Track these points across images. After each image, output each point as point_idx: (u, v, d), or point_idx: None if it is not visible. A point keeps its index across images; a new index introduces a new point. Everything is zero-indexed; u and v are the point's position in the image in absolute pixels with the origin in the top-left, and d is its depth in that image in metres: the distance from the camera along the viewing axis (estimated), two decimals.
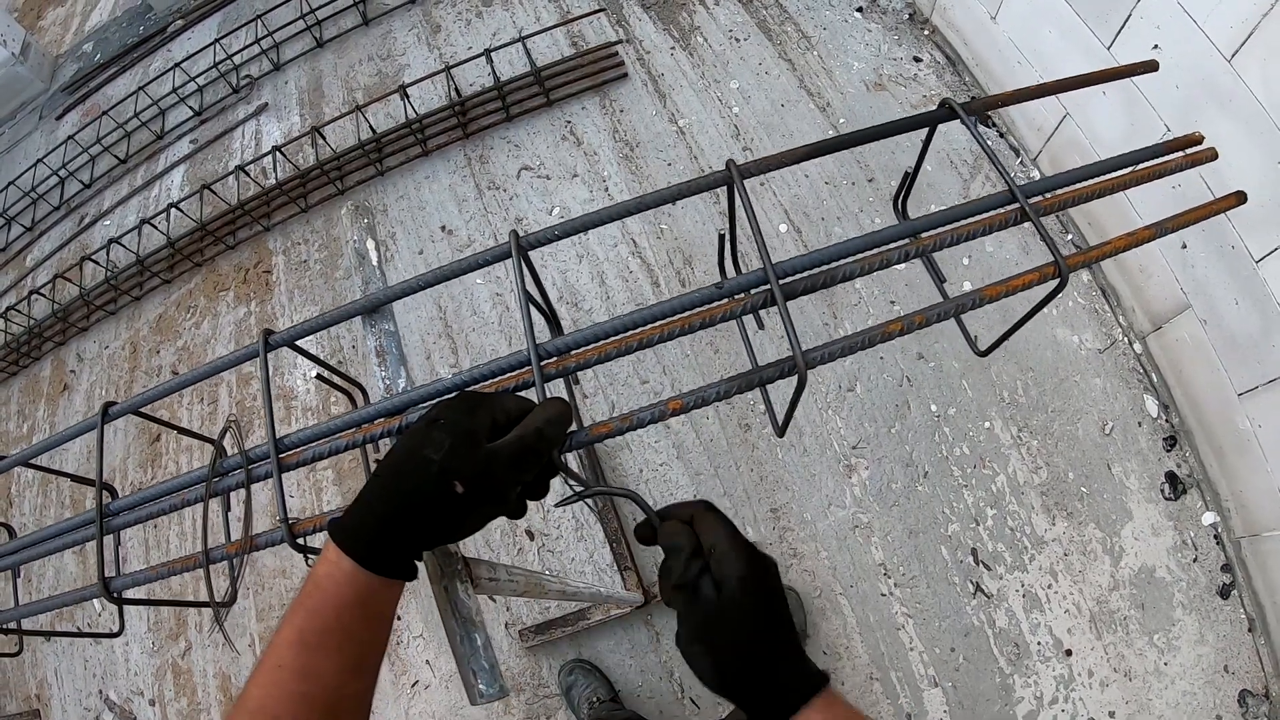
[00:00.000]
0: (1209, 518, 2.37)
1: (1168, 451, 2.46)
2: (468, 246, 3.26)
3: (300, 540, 0.95)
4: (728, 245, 1.12)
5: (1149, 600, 2.31)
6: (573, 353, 0.86)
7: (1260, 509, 2.18)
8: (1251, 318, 2.04)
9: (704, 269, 2.93)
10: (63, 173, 4.54)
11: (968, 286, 2.69)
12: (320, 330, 1.14)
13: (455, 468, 0.71)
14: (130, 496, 1.14)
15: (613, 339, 0.85)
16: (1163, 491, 2.42)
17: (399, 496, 0.73)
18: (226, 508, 1.18)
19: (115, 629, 1.17)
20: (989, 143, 2.63)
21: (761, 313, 0.94)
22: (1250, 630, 2.25)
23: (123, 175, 4.45)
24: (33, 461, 1.31)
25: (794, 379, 0.81)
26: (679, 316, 0.86)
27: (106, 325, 3.83)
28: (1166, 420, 2.50)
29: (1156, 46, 2.09)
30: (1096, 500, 2.43)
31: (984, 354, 1.06)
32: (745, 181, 0.89)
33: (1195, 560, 2.33)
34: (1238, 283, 2.05)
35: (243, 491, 1.08)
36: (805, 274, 0.87)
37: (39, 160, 4.68)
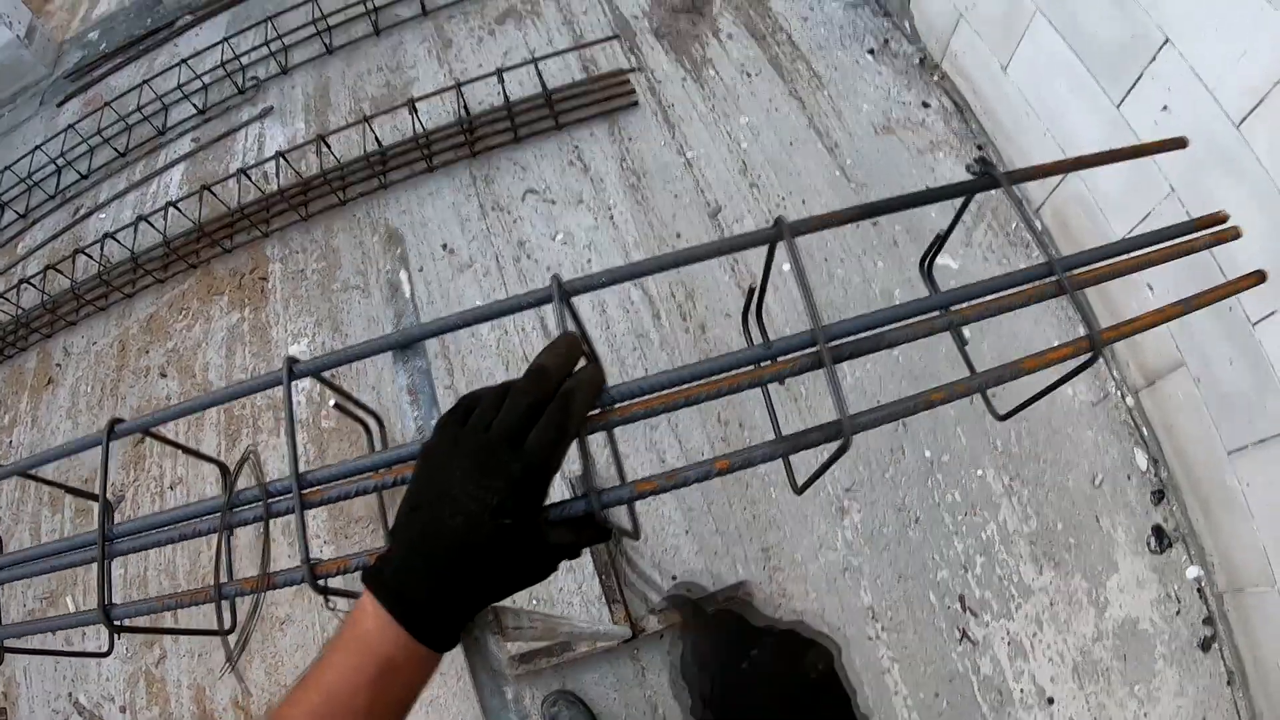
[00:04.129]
0: (1193, 571, 2.39)
1: (1155, 505, 2.47)
2: (468, 267, 3.24)
3: (322, 582, 0.91)
4: (755, 300, 1.11)
5: (1131, 651, 2.31)
6: (617, 405, 0.84)
7: (1244, 564, 2.20)
8: (1245, 378, 2.06)
9: (706, 304, 2.93)
10: (60, 162, 4.48)
11: (966, 333, 2.70)
12: (348, 363, 1.11)
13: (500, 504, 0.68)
14: (137, 520, 1.09)
15: (658, 394, 0.83)
16: (1149, 545, 2.43)
17: (448, 555, 0.69)
18: (230, 533, 1.14)
19: (103, 647, 1.14)
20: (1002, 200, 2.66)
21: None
22: (1229, 683, 2.26)
23: (121, 169, 4.39)
24: (33, 473, 1.27)
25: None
26: (728, 375, 0.84)
27: (96, 321, 3.77)
28: (1156, 474, 2.52)
29: (1165, 108, 2.12)
30: (1084, 551, 2.44)
31: (1004, 418, 1.07)
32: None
33: (1178, 613, 2.34)
34: (1234, 343, 2.07)
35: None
36: (852, 338, 0.86)
37: (37, 147, 4.60)
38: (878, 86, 3.33)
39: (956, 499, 2.53)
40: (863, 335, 0.86)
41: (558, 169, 3.39)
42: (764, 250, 0.93)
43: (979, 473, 2.55)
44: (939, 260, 2.78)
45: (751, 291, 1.12)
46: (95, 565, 1.11)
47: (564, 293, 0.88)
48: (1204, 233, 0.98)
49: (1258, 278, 0.98)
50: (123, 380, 3.50)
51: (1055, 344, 0.95)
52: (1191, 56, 2.00)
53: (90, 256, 3.75)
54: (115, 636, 1.07)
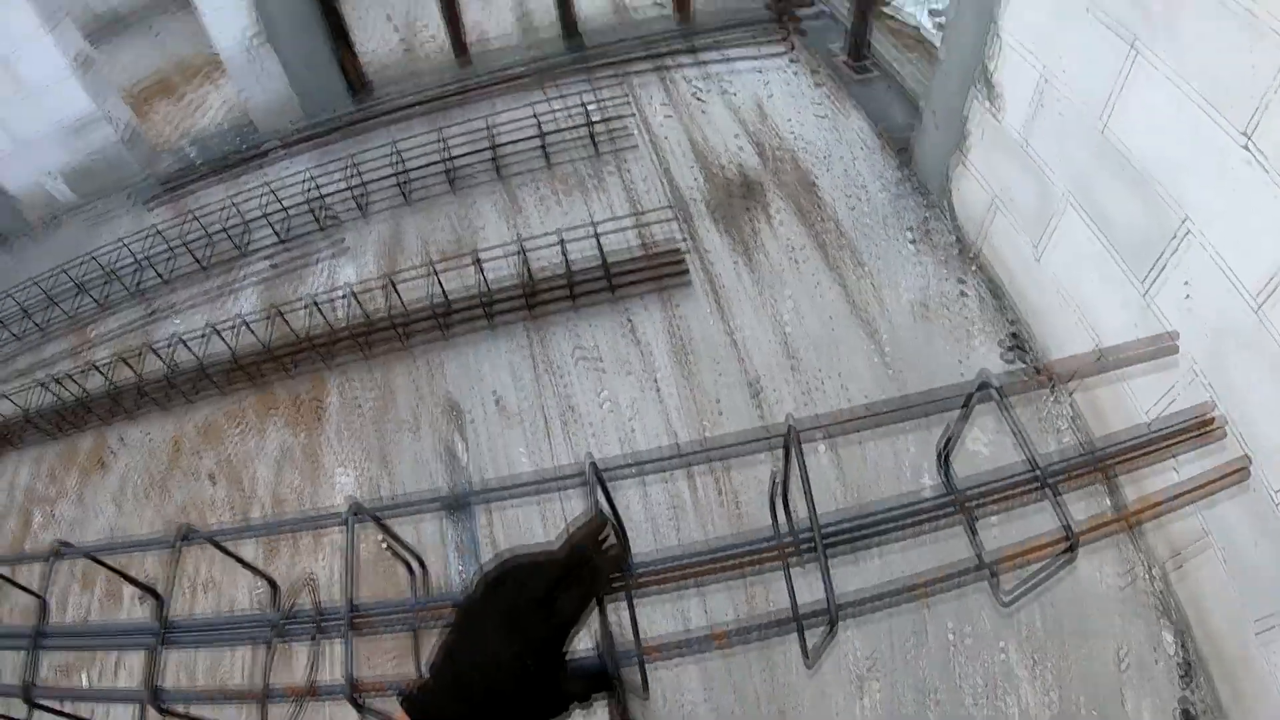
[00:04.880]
0: None
1: (1183, 685, 2.50)
2: (517, 421, 3.43)
3: (361, 700, 1.12)
4: (779, 489, 1.35)
5: None
6: (637, 577, 1.07)
7: None
8: (1270, 556, 2.14)
9: (741, 476, 3.06)
10: (143, 260, 4.93)
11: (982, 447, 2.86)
12: (406, 514, 1.37)
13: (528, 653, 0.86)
14: (195, 619, 1.33)
15: (674, 571, 1.07)
16: None
17: (477, 693, 0.86)
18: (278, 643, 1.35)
19: None
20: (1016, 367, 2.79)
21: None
22: None
23: (199, 279, 4.83)
24: (101, 558, 1.51)
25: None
26: (736, 559, 1.08)
27: (154, 416, 4.07)
28: (1182, 653, 2.54)
29: (1188, 296, 2.31)
30: None
31: (1007, 605, 1.26)
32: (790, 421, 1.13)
33: None
34: (1258, 522, 2.16)
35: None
36: (849, 532, 1.10)
37: (123, 242, 5.08)
38: (918, 271, 3.63)
39: (978, 679, 2.60)
40: (860, 530, 1.09)
41: (610, 336, 3.68)
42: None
43: (1002, 653, 2.62)
44: (969, 445, 2.92)
45: (774, 481, 1.36)
46: (137, 649, 1.34)
47: (598, 475, 1.14)
48: (1191, 436, 1.18)
49: (1239, 475, 1.15)
50: (172, 477, 3.75)
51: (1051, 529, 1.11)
52: (1213, 243, 2.21)
53: (159, 356, 4.09)
54: (161, 714, 1.28)
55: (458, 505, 1.36)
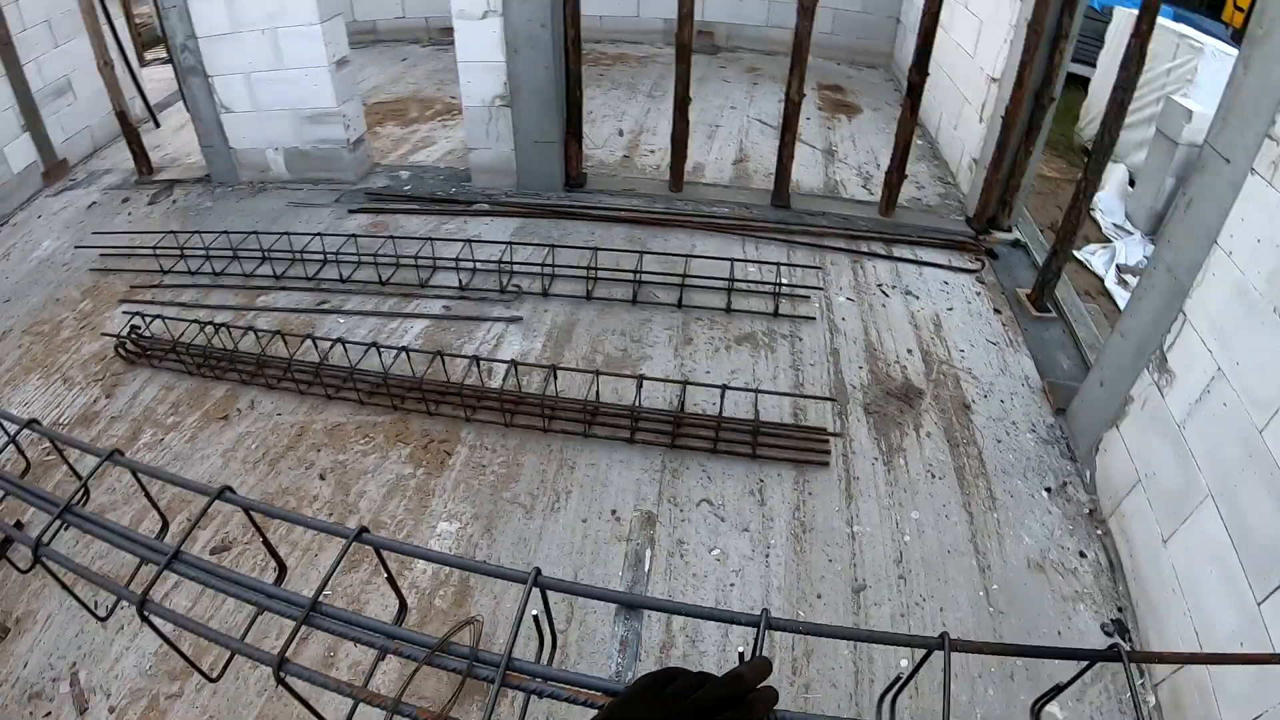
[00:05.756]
0: None
1: None
2: (625, 540, 3.41)
3: None
4: (897, 689, 1.46)
5: None
6: None
7: None
8: None
9: (818, 666, 3.06)
10: (331, 257, 5.46)
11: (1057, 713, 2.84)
12: (580, 596, 1.54)
13: None
14: (347, 614, 1.47)
15: None
16: None
17: None
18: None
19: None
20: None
21: None
22: None
23: (375, 294, 5.28)
24: (277, 515, 1.68)
25: None
26: None
27: (290, 398, 4.37)
28: None
29: None
30: None
31: None
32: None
33: None
34: None
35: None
36: None
37: (318, 234, 5.63)
38: (1044, 524, 3.69)
39: None
40: None
41: (738, 492, 3.81)
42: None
43: None
44: (1048, 706, 2.86)
45: (898, 680, 1.48)
46: (278, 614, 1.47)
47: (769, 624, 1.30)
48: None
49: None
50: (285, 459, 4.01)
51: None
52: None
53: (315, 346, 4.49)
54: (278, 683, 1.41)
55: (632, 606, 1.51)
